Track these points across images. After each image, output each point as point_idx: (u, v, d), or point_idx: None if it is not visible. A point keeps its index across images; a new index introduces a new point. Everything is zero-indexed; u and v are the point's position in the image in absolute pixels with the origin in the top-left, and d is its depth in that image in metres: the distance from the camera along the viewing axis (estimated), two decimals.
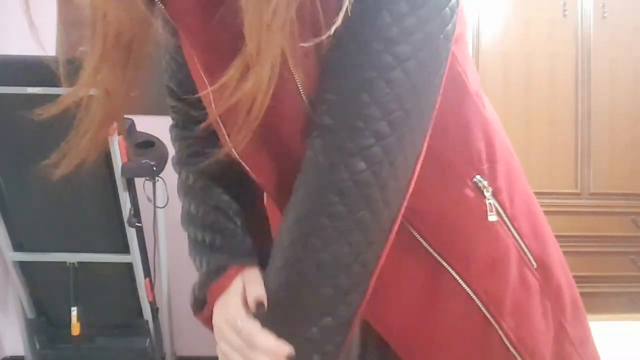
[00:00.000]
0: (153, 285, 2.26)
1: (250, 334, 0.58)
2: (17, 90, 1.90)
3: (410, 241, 0.64)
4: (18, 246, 2.17)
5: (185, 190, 0.83)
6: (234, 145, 0.60)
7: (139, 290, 2.18)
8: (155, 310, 2.28)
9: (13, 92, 1.91)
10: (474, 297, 0.64)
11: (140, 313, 2.23)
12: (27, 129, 2.02)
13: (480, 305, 0.65)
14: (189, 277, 2.62)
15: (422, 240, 0.64)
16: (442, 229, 0.64)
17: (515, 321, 0.66)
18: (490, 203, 0.65)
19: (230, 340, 0.61)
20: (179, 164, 0.86)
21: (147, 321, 2.24)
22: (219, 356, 0.64)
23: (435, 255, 0.64)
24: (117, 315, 2.26)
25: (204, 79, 0.67)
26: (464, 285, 0.64)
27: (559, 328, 0.71)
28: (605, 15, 2.31)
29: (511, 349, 0.66)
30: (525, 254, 0.68)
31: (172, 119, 0.91)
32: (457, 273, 0.64)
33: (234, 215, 0.72)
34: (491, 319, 0.65)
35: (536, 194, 0.73)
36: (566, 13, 2.30)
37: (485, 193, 0.65)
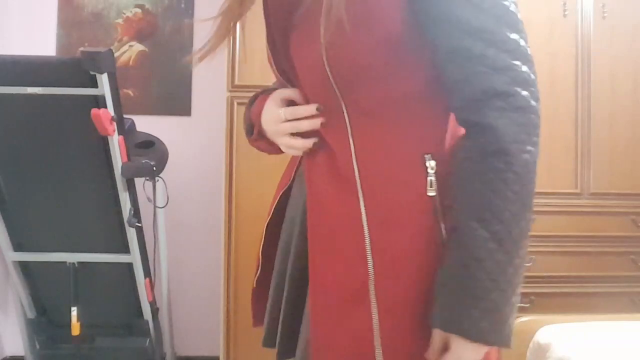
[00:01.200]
0: (153, 285, 2.26)
1: (289, 111, 0.85)
2: (17, 90, 1.90)
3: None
4: (18, 246, 2.17)
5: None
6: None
7: (139, 290, 2.18)
8: (155, 310, 2.28)
9: (13, 92, 1.91)
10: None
11: (140, 313, 2.23)
12: (27, 129, 2.02)
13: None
14: (189, 277, 2.64)
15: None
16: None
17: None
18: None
19: (280, 126, 0.86)
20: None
21: (147, 321, 2.24)
22: (285, 142, 0.87)
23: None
24: (117, 315, 2.26)
25: None
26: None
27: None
28: (605, 15, 2.31)
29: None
30: None
31: None
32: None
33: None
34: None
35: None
36: (566, 13, 2.30)
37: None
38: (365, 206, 0.76)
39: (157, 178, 2.17)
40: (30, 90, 1.90)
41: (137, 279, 2.16)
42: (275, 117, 0.87)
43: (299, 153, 0.87)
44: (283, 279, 0.90)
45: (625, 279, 2.30)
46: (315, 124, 0.82)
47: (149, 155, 2.14)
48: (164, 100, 2.62)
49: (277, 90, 0.89)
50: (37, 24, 2.59)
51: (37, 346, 2.30)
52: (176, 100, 2.62)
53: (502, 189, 0.68)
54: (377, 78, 0.76)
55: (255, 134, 0.93)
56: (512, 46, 0.70)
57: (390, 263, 0.74)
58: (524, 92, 0.70)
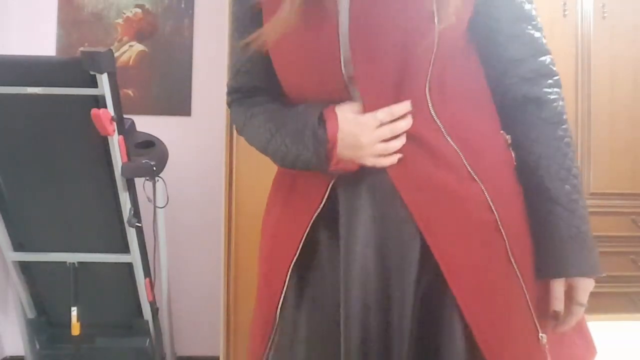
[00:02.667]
0: (153, 285, 2.26)
1: (385, 112, 0.78)
2: (17, 90, 1.90)
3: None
4: (18, 246, 2.17)
5: (249, 115, 0.93)
6: None
7: (139, 290, 2.18)
8: (155, 310, 2.28)
9: (13, 92, 1.91)
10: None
11: (140, 313, 2.23)
12: (27, 129, 2.02)
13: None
14: (189, 277, 2.64)
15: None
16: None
17: None
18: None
19: (375, 133, 0.78)
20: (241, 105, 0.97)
21: (147, 321, 2.24)
22: (377, 153, 0.79)
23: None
24: (117, 315, 2.26)
25: None
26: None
27: None
28: (605, 15, 2.31)
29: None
30: None
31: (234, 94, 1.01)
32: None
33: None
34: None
35: (519, 187, 0.77)
36: (566, 13, 2.30)
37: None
38: (483, 184, 0.80)
39: (157, 178, 2.17)
40: (30, 90, 1.90)
41: (137, 279, 2.16)
42: (366, 126, 0.78)
43: (391, 162, 0.79)
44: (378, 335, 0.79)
45: (625, 279, 2.30)
46: (409, 121, 0.78)
47: (149, 155, 2.14)
48: (164, 100, 2.62)
49: (345, 106, 0.80)
50: (37, 24, 2.59)
51: (37, 346, 2.30)
52: (176, 100, 2.62)
53: (567, 151, 0.83)
54: (455, 57, 0.82)
55: (335, 159, 0.80)
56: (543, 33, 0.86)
57: (514, 232, 0.82)
58: (557, 71, 0.87)
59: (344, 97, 0.81)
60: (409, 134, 0.79)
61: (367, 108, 0.79)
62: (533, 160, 0.83)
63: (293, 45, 0.81)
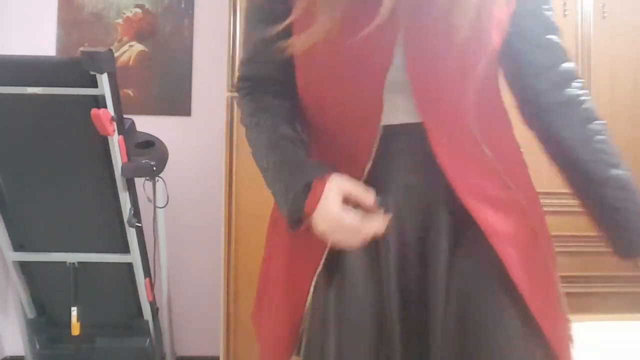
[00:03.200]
0: (153, 285, 2.26)
1: (356, 219, 0.75)
2: (17, 90, 1.90)
3: None
4: (18, 246, 2.17)
5: (255, 122, 0.90)
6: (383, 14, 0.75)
7: (139, 290, 2.18)
8: (155, 310, 2.28)
9: (13, 92, 1.91)
10: None
11: (140, 313, 2.23)
12: (27, 129, 2.02)
13: None
14: (189, 277, 2.64)
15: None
16: None
17: None
18: None
19: (345, 228, 0.76)
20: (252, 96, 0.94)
21: (147, 321, 2.24)
22: (335, 236, 0.78)
23: None
24: (117, 315, 2.26)
25: None
26: None
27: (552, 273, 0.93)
28: (605, 15, 2.31)
29: None
30: None
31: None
32: None
33: (299, 144, 0.85)
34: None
35: (537, 193, 0.76)
36: (566, 13, 2.30)
37: None
38: (518, 191, 0.86)
39: (157, 178, 2.17)
40: (30, 90, 1.90)
41: (137, 279, 2.16)
42: (341, 222, 0.76)
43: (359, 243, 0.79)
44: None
45: (625, 279, 2.29)
46: (382, 225, 0.77)
47: (149, 155, 2.14)
48: (164, 100, 2.62)
49: (334, 186, 0.77)
50: (37, 24, 2.59)
51: (37, 346, 2.30)
52: (176, 100, 2.62)
53: (607, 140, 0.90)
54: (488, 69, 0.85)
55: (306, 225, 0.80)
56: None
57: (543, 234, 0.90)
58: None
59: (374, 105, 0.81)
60: (455, 145, 0.82)
61: (421, 111, 0.81)
62: (575, 156, 0.89)
63: (328, 50, 0.79)
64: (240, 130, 2.12)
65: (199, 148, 2.60)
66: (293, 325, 0.88)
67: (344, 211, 0.76)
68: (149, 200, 2.19)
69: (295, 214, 0.79)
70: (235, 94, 2.20)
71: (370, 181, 0.81)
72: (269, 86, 0.91)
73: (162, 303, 2.35)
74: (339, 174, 0.79)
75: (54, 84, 1.89)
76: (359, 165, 0.82)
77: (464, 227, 0.82)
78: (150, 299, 2.22)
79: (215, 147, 2.39)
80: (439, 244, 0.82)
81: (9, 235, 2.14)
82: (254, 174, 2.41)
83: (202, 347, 2.58)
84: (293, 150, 0.83)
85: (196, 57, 2.61)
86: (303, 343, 0.86)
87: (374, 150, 0.82)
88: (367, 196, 0.77)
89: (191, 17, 2.60)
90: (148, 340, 2.25)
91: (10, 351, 2.55)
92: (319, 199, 0.77)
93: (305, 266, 0.86)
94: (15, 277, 2.19)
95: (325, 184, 0.77)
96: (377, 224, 0.76)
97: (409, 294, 0.83)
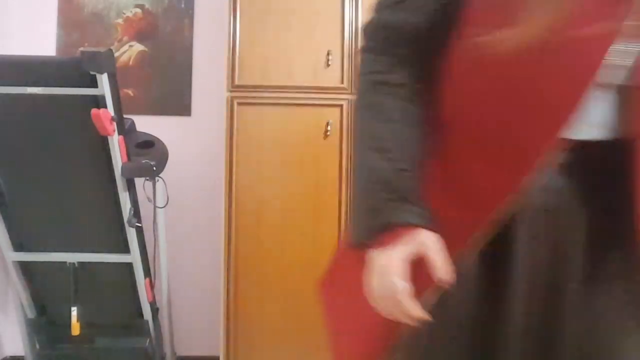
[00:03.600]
0: (153, 285, 2.26)
1: (405, 295, 0.66)
2: (17, 90, 1.90)
3: None
4: (18, 246, 2.17)
5: (372, 103, 0.76)
6: None
7: (139, 290, 2.18)
8: (155, 310, 2.28)
9: (13, 92, 1.91)
10: None
11: (140, 313, 2.23)
12: (27, 129, 2.02)
13: None
14: (189, 277, 2.63)
15: None
16: None
17: None
18: None
19: (386, 289, 0.67)
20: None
21: (147, 321, 2.24)
22: (374, 290, 0.70)
23: None
24: (117, 315, 2.26)
25: None
26: None
27: None
28: None
29: None
30: None
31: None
32: None
33: (414, 149, 0.73)
34: None
35: None
36: None
37: None
38: None
39: (157, 178, 2.17)
40: (30, 90, 1.90)
41: (137, 279, 2.16)
42: (392, 275, 0.67)
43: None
44: None
45: None
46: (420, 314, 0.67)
47: (149, 155, 2.14)
48: (164, 100, 2.62)
49: (412, 242, 0.68)
50: (37, 24, 2.59)
51: (37, 346, 2.30)
52: (176, 100, 2.62)
53: None
54: None
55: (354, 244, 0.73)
56: None
57: None
58: None
59: (564, 110, 0.66)
60: None
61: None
62: None
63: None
64: (240, 130, 2.13)
65: (199, 148, 2.60)
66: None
67: (399, 276, 0.66)
68: (149, 200, 2.19)
69: (359, 238, 0.72)
70: (236, 94, 2.17)
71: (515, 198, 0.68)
72: (404, 47, 0.74)
73: (162, 303, 2.35)
74: (431, 231, 0.68)
75: (54, 84, 1.89)
76: (514, 175, 0.68)
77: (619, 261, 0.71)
78: (150, 299, 2.22)
79: (215, 147, 2.39)
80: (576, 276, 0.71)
81: (9, 235, 2.14)
82: (254, 174, 2.41)
83: (202, 347, 2.58)
84: (404, 162, 0.71)
85: (196, 57, 2.61)
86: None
87: (542, 162, 0.67)
88: (443, 271, 0.67)
89: (191, 17, 2.60)
90: (148, 340, 2.25)
91: (10, 351, 2.55)
92: (386, 247, 0.68)
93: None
94: (15, 277, 2.19)
95: (406, 235, 0.67)
96: (414, 313, 0.67)
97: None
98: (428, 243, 0.68)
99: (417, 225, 0.68)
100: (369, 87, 0.76)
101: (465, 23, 0.71)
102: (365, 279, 0.71)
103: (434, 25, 0.72)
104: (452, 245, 0.69)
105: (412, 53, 0.75)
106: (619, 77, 0.67)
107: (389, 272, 0.67)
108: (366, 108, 0.76)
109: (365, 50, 0.79)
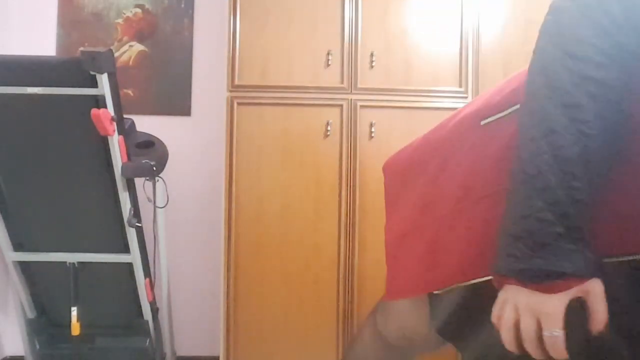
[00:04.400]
0: (153, 285, 2.26)
1: (558, 346, 0.63)
2: (17, 90, 1.90)
3: None
4: (18, 246, 2.17)
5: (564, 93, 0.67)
6: None
7: (139, 290, 2.18)
8: (155, 310, 2.28)
9: (13, 92, 1.91)
10: None
11: (140, 313, 2.23)
12: (27, 129, 2.02)
13: None
14: (189, 277, 2.63)
15: None
16: None
17: None
18: None
19: (529, 332, 0.65)
20: None
21: (147, 321, 2.24)
22: (518, 331, 0.67)
23: None
24: (117, 315, 2.26)
25: None
26: None
27: None
28: None
29: None
30: None
31: None
32: None
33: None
34: None
35: None
36: None
37: None
38: None
39: (157, 178, 2.17)
40: (30, 90, 1.90)
41: (137, 279, 2.16)
42: (546, 320, 0.64)
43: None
44: None
45: None
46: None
47: (149, 155, 2.14)
48: (164, 100, 2.62)
49: (595, 298, 0.64)
50: (37, 24, 2.59)
51: (37, 346, 2.30)
52: (176, 100, 2.62)
53: None
54: None
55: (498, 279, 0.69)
56: None
57: None
58: None
59: None
60: None
61: None
62: None
63: None
64: (240, 130, 2.13)
65: (199, 148, 2.60)
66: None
67: (559, 326, 0.63)
68: (149, 200, 2.19)
69: (515, 270, 0.66)
70: (236, 94, 2.17)
71: None
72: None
73: (162, 303, 2.35)
74: (598, 278, 0.64)
75: (54, 84, 1.89)
76: None
77: None
78: (150, 299, 2.22)
79: (215, 147, 2.39)
80: None
81: (9, 235, 2.14)
82: (254, 174, 2.42)
83: (202, 347, 2.58)
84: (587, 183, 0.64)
85: (196, 57, 2.62)
86: None
87: None
88: (602, 322, 0.65)
89: (191, 17, 2.60)
90: (148, 340, 2.25)
91: (10, 351, 2.55)
92: (555, 292, 0.64)
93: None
94: (15, 277, 2.19)
95: (574, 286, 0.64)
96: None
97: None
98: (594, 292, 0.64)
99: (587, 276, 0.64)
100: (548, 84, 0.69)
101: None
102: (505, 310, 0.68)
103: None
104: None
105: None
106: None
107: (549, 321, 0.64)
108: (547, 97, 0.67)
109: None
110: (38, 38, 2.58)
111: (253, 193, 2.14)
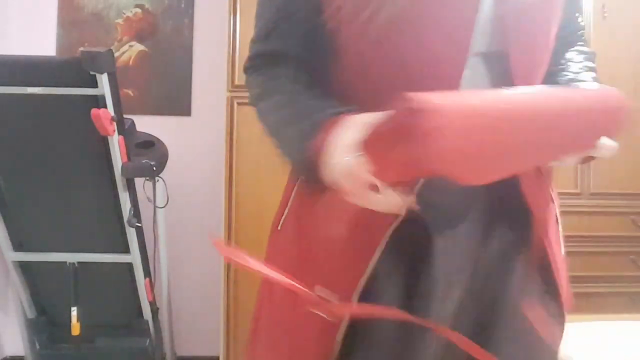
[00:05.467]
0: (153, 285, 2.26)
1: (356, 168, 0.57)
2: (17, 90, 1.90)
3: None
4: (18, 246, 2.17)
5: (265, 90, 0.79)
6: None
7: (139, 290, 2.18)
8: (155, 310, 2.28)
9: (13, 92, 1.91)
10: None
11: (140, 313, 2.23)
12: (27, 129, 2.02)
13: None
14: (189, 277, 2.63)
15: None
16: None
17: None
18: None
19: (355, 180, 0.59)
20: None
21: (147, 321, 2.24)
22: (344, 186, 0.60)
23: None
24: (117, 315, 2.26)
25: None
26: None
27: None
28: (605, 15, 2.31)
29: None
30: None
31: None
32: None
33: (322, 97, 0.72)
34: None
35: None
36: None
37: None
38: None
39: (157, 178, 2.17)
40: (30, 90, 1.90)
41: (137, 279, 2.16)
42: (354, 170, 0.58)
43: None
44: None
45: (625, 279, 2.30)
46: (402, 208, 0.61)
47: (149, 155, 2.14)
48: (164, 100, 2.62)
49: (353, 121, 0.60)
50: (37, 24, 2.59)
51: (37, 346, 2.30)
52: (176, 100, 2.62)
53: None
54: None
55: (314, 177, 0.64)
56: None
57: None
58: None
59: (452, 80, 0.66)
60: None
61: (517, 82, 0.70)
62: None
63: (402, 14, 0.64)
64: (240, 130, 2.13)
65: (199, 148, 2.60)
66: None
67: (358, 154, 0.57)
68: (149, 200, 2.19)
69: (303, 165, 0.65)
70: (236, 94, 2.18)
71: None
72: (285, 62, 0.77)
73: (162, 303, 2.35)
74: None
75: (54, 84, 1.89)
76: None
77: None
78: (150, 299, 2.22)
79: (215, 147, 2.39)
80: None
81: (9, 235, 2.14)
82: (254, 174, 2.41)
83: (202, 347, 2.58)
84: (309, 99, 0.70)
85: (196, 57, 2.62)
86: None
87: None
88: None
89: (191, 17, 2.60)
90: (148, 340, 2.25)
91: (10, 351, 2.55)
92: (325, 139, 0.60)
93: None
94: (15, 277, 2.19)
95: (339, 120, 0.60)
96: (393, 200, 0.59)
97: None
98: (369, 117, 0.58)
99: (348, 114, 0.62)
100: (259, 87, 0.79)
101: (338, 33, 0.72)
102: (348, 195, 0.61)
103: (308, 37, 0.74)
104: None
105: (291, 62, 0.77)
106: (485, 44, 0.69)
107: (347, 152, 0.58)
108: (262, 97, 0.78)
109: (247, 71, 0.82)
110: (38, 38, 2.58)
111: (253, 193, 2.13)
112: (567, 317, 0.82)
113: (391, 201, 0.58)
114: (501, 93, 0.61)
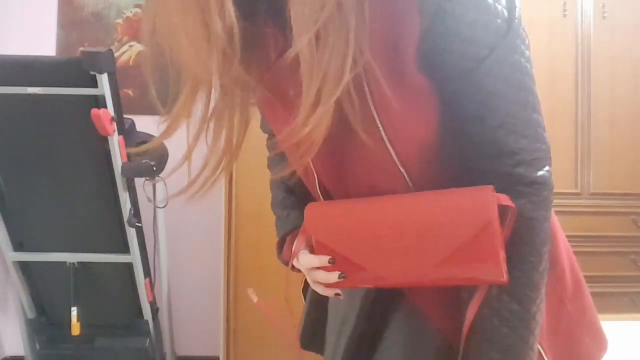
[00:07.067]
0: (153, 285, 2.26)
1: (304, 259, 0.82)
2: (17, 90, 1.90)
3: None
4: (18, 246, 2.17)
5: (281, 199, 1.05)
6: (295, 167, 0.77)
7: (139, 290, 2.18)
8: (155, 310, 2.28)
9: (13, 92, 1.91)
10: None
11: (140, 313, 2.23)
12: (27, 129, 2.02)
13: None
14: (189, 277, 2.62)
15: None
16: None
17: None
18: None
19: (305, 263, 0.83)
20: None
21: (147, 321, 2.24)
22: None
23: None
24: (117, 315, 2.26)
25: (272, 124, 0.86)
26: None
27: (559, 303, 0.81)
28: (605, 15, 2.31)
29: None
30: None
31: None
32: None
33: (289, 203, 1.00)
34: None
35: None
36: (566, 13, 2.30)
37: None
38: None
39: (157, 178, 2.17)
40: (30, 90, 1.90)
41: (137, 279, 2.16)
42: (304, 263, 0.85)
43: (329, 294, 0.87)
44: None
45: (625, 279, 2.30)
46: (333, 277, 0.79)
47: (149, 155, 2.14)
48: (164, 101, 2.61)
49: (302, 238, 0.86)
50: (37, 24, 2.59)
51: (37, 346, 2.30)
52: (176, 101, 2.61)
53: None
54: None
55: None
56: None
57: None
58: None
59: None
60: None
61: None
62: None
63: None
64: None
65: (199, 148, 2.60)
66: None
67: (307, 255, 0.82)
68: (149, 200, 2.19)
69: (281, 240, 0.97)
70: None
71: None
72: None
73: (162, 303, 2.35)
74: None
75: (54, 84, 1.89)
76: None
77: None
78: (150, 299, 2.22)
79: None
80: None
81: (9, 235, 2.14)
82: (254, 174, 2.41)
83: (202, 347, 2.58)
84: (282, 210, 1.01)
85: None
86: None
87: None
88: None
89: None
90: (148, 340, 2.25)
91: (10, 351, 2.55)
92: (292, 250, 0.87)
93: None
94: (15, 277, 2.19)
95: (295, 237, 0.87)
96: (322, 276, 0.80)
97: None
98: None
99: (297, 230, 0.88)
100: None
101: None
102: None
103: None
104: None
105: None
106: None
107: (302, 259, 0.83)
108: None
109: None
110: (38, 38, 2.58)
111: (253, 193, 2.14)
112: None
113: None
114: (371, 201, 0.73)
